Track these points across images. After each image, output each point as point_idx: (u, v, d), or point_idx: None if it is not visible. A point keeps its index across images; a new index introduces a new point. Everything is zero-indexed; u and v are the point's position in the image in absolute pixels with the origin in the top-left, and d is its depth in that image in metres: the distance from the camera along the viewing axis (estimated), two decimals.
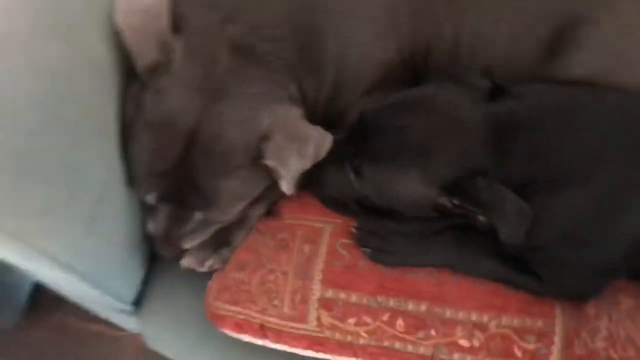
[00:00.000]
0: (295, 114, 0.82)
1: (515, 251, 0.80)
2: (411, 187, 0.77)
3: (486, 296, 0.82)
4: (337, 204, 0.88)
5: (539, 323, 0.81)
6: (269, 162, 0.79)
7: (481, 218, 0.76)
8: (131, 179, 0.84)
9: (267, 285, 0.86)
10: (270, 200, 0.94)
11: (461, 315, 0.82)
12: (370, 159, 0.80)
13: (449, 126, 0.77)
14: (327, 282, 0.84)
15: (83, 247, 0.77)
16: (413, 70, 0.91)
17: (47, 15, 0.71)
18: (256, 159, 0.80)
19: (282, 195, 0.92)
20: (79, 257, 0.77)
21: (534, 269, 0.80)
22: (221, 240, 0.94)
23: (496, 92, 0.81)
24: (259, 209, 0.94)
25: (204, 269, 0.93)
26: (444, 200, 0.77)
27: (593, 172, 0.74)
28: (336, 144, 0.84)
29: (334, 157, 0.84)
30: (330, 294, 0.84)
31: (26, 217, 0.68)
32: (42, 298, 1.52)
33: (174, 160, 0.80)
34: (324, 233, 0.88)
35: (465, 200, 0.74)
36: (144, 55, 0.76)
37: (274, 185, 0.88)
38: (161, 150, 0.79)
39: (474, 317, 0.82)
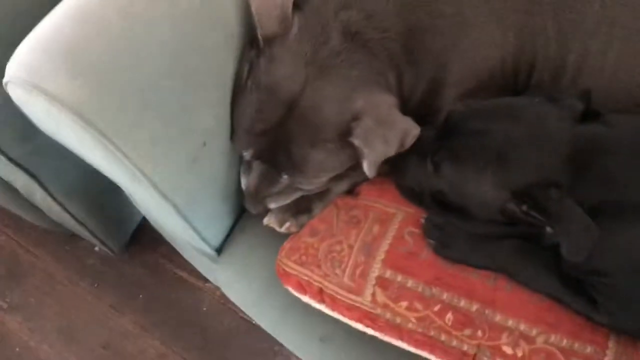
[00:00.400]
0: (388, 101, 0.88)
1: (576, 273, 0.80)
2: (484, 187, 0.80)
3: (539, 310, 0.84)
4: (412, 194, 0.93)
5: (589, 349, 0.81)
6: (355, 141, 0.85)
7: (548, 229, 0.78)
8: (233, 133, 0.94)
9: (333, 254, 0.92)
10: (353, 180, 1.01)
11: (510, 322, 0.84)
12: (450, 156, 0.84)
13: (531, 137, 0.79)
14: (388, 263, 0.89)
15: (182, 182, 0.88)
16: (514, 84, 0.93)
17: None
18: (344, 135, 0.86)
19: (365, 178, 0.99)
20: (176, 190, 0.88)
21: (592, 295, 0.80)
22: (302, 207, 1.01)
23: (589, 116, 0.82)
24: (341, 186, 1.01)
25: (282, 229, 1.01)
26: (512, 206, 0.79)
27: None
28: (422, 138, 0.89)
29: (418, 149, 0.89)
30: (388, 274, 0.89)
31: (140, 144, 0.80)
32: (144, 237, 1.70)
33: (273, 123, 0.88)
34: (395, 218, 0.93)
35: (534, 207, 0.76)
36: (266, 25, 0.85)
37: (357, 166, 0.95)
38: (263, 111, 0.88)
39: (522, 327, 0.83)
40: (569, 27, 0.88)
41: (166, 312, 1.62)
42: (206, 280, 1.57)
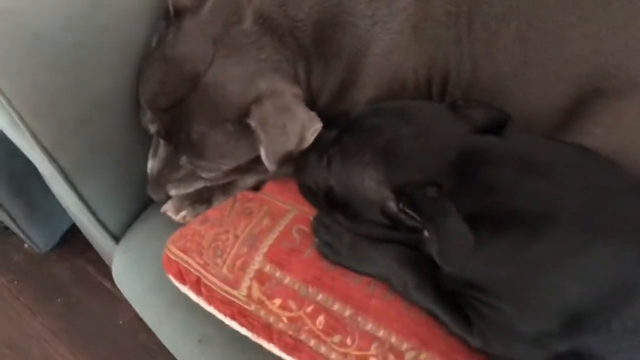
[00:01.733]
0: (292, 90, 0.86)
1: (453, 285, 0.76)
2: (366, 183, 0.77)
3: (414, 324, 0.78)
4: (310, 193, 0.89)
5: None
6: (252, 122, 0.83)
7: (425, 234, 0.74)
8: (139, 106, 0.92)
9: (217, 243, 0.88)
10: (258, 176, 0.98)
11: (381, 333, 0.78)
12: (340, 150, 0.81)
13: (419, 137, 0.76)
14: (269, 257, 0.85)
15: (67, 142, 0.85)
16: (428, 96, 0.91)
17: None
18: (243, 116, 0.84)
19: (270, 175, 0.96)
20: (62, 150, 0.85)
21: (467, 314, 0.75)
22: (201, 197, 0.98)
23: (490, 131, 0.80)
24: (246, 181, 0.98)
25: (177, 218, 0.98)
26: (391, 204, 0.75)
27: (544, 224, 0.69)
28: (324, 136, 0.87)
29: (318, 147, 0.87)
30: (268, 268, 0.84)
31: (23, 88, 0.78)
32: (75, 241, 1.65)
33: (176, 99, 0.86)
34: (288, 214, 0.89)
35: (410, 206, 0.72)
36: None
37: (261, 160, 0.92)
38: (167, 84, 0.86)
39: (393, 339, 0.77)
40: (482, 46, 0.87)
41: (81, 320, 1.55)
42: None
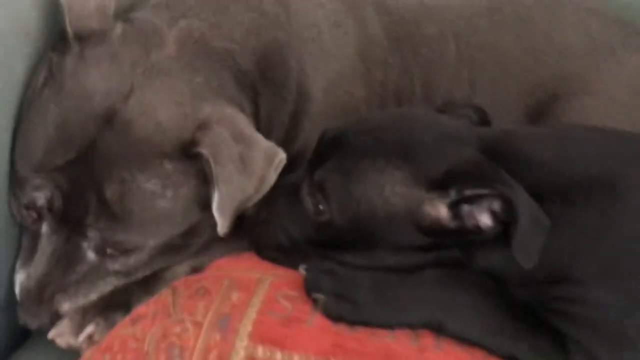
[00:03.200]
0: (243, 117, 0.68)
1: (530, 295, 0.58)
2: (387, 191, 0.59)
3: None
4: (283, 251, 0.67)
5: None
6: (204, 150, 0.62)
7: (485, 222, 0.56)
8: (15, 174, 0.64)
9: (171, 340, 0.58)
10: (192, 261, 0.72)
11: None
12: (335, 168, 0.63)
13: (429, 130, 0.63)
14: (257, 337, 0.57)
15: None
16: None
17: None
18: (188, 147, 0.62)
19: (208, 257, 0.71)
20: None
21: (557, 329, 0.56)
22: (114, 303, 0.68)
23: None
24: (175, 271, 0.71)
25: (80, 339, 0.65)
26: (428, 208, 0.58)
27: (615, 184, 0.58)
28: (288, 180, 0.68)
29: (283, 191, 0.67)
30: (261, 352, 0.56)
31: None
32: None
33: (81, 146, 0.62)
34: (262, 283, 0.63)
35: (473, 183, 0.56)
36: (78, 17, 0.64)
37: (198, 230, 0.68)
38: (70, 127, 0.63)
39: None
40: (429, 68, 0.81)
41: None
42: None
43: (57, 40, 0.66)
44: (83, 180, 0.62)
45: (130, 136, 0.62)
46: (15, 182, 0.65)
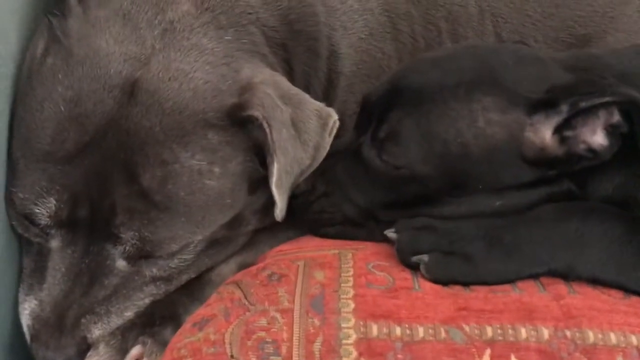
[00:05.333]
0: (284, 79, 0.58)
1: None
2: (482, 119, 0.51)
3: (635, 309, 0.48)
4: (353, 224, 0.57)
5: None
6: (257, 113, 0.51)
7: (599, 141, 0.50)
8: (14, 174, 0.51)
9: (258, 334, 0.46)
10: (241, 257, 0.60)
11: (614, 338, 0.46)
12: (406, 114, 0.54)
13: (506, 51, 0.56)
14: (363, 312, 0.47)
15: None
16: None
17: None
18: (236, 111, 0.52)
19: (254, 247, 0.60)
20: None
21: None
22: (158, 315, 0.55)
23: None
24: (222, 270, 0.60)
25: None
26: (539, 128, 0.50)
27: None
28: (337, 144, 0.59)
29: (337, 158, 0.58)
30: (376, 331, 0.46)
31: None
32: None
33: (98, 127, 0.51)
34: (345, 257, 0.53)
35: (588, 94, 0.49)
36: None
37: (244, 216, 0.58)
38: (84, 102, 0.50)
39: (634, 340, 0.46)
40: (456, 21, 0.76)
41: None
42: None
43: (54, 0, 0.54)
44: (104, 170, 0.50)
45: (163, 107, 0.51)
46: (14, 179, 0.52)
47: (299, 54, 0.64)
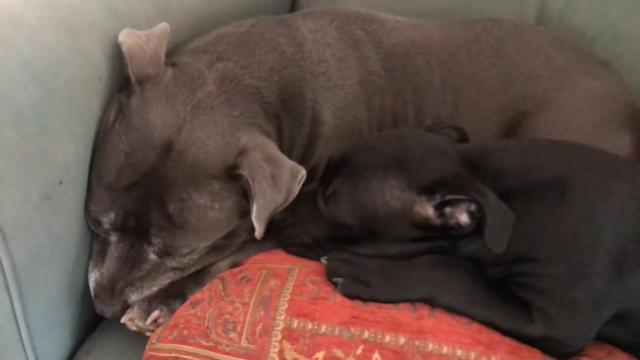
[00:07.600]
0: (271, 143, 0.84)
1: (502, 272, 0.75)
2: (387, 196, 0.76)
3: (471, 333, 0.73)
4: (304, 250, 0.84)
5: None
6: (244, 172, 0.78)
7: (464, 220, 0.73)
8: (89, 195, 0.80)
9: (225, 317, 0.75)
10: (232, 257, 0.88)
11: (445, 350, 0.71)
12: (345, 181, 0.79)
13: (423, 147, 0.79)
14: (292, 312, 0.74)
15: (30, 227, 0.69)
16: None
17: (56, 5, 0.78)
18: (231, 169, 0.78)
19: (246, 253, 0.88)
20: (20, 234, 0.68)
21: (523, 299, 0.73)
22: (173, 292, 0.84)
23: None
24: (219, 266, 0.88)
25: (147, 323, 0.81)
26: (419, 208, 0.75)
27: (565, 184, 0.75)
28: (305, 191, 0.84)
29: (304, 200, 0.84)
30: (296, 324, 0.73)
31: None
32: None
33: (144, 170, 0.78)
34: (292, 271, 0.80)
35: (452, 190, 0.72)
36: (138, 65, 0.80)
37: (237, 234, 0.85)
38: (134, 154, 0.78)
39: (459, 352, 0.71)
40: (419, 94, 0.98)
41: None
42: None
43: (122, 83, 0.82)
44: (146, 199, 0.77)
45: (185, 163, 0.78)
46: (90, 197, 0.81)
47: (288, 122, 0.90)
